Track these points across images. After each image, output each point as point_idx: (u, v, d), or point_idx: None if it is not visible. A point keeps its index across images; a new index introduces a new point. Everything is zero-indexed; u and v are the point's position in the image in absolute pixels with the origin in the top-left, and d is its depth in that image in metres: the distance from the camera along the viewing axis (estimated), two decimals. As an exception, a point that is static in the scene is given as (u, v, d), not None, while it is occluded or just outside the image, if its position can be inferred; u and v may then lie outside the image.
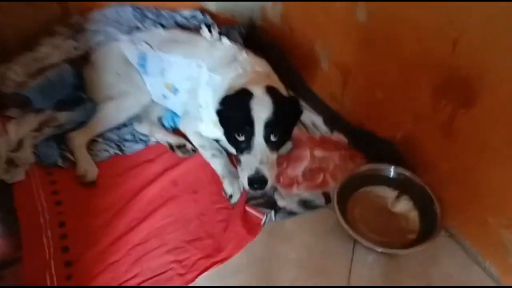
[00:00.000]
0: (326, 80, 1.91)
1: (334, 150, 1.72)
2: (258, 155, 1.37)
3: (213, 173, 1.63)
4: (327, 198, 1.58)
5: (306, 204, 1.56)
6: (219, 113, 1.47)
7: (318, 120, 1.86)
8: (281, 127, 1.42)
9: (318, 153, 1.70)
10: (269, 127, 1.37)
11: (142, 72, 1.80)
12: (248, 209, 1.52)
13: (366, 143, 1.73)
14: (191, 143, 1.73)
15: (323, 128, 1.84)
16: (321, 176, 1.63)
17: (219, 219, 1.51)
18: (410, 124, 1.53)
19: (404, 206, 1.53)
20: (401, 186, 1.56)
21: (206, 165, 1.66)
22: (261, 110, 1.37)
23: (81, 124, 1.75)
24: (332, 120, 1.85)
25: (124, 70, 1.81)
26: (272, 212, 1.51)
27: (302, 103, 1.89)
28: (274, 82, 1.56)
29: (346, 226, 1.40)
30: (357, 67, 1.70)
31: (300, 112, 1.52)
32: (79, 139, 1.70)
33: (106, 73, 1.81)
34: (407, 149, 1.58)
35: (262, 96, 1.40)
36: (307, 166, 1.67)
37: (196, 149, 1.70)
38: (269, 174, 1.38)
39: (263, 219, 1.49)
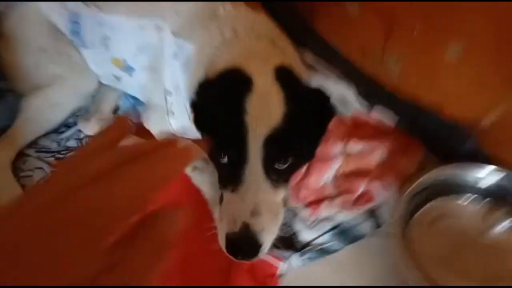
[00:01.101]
0: (356, 30, 1.27)
1: (378, 139, 1.14)
2: (250, 197, 0.77)
3: (199, 193, 1.08)
4: (375, 219, 1.03)
5: (345, 233, 1.01)
6: (193, 107, 0.88)
7: (349, 93, 1.24)
8: (297, 145, 0.82)
9: (353, 146, 1.13)
10: (275, 145, 0.77)
11: (78, 44, 1.19)
12: (256, 251, 0.98)
13: (423, 126, 1.14)
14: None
15: (357, 105, 1.23)
16: (362, 184, 1.07)
17: (215, 269, 0.98)
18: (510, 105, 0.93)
19: (503, 228, 0.97)
20: (495, 196, 0.99)
21: (188, 181, 1.10)
22: (263, 115, 0.77)
23: (1, 131, 1.18)
24: (370, 90, 1.23)
25: (51, 42, 1.20)
26: (294, 255, 0.97)
27: (318, 65, 1.29)
28: (286, 54, 0.94)
29: (415, 273, 0.86)
30: (410, 11, 1.06)
31: (331, 114, 0.91)
32: (-2, 156, 1.14)
33: (25, 49, 1.21)
34: (496, 143, 1.00)
35: (267, 85, 0.80)
36: (339, 169, 1.10)
37: (170, 158, 1.13)
38: (267, 234, 0.77)
39: (280, 267, 0.96)
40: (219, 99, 0.81)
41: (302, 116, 0.81)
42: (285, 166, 0.81)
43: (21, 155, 1.20)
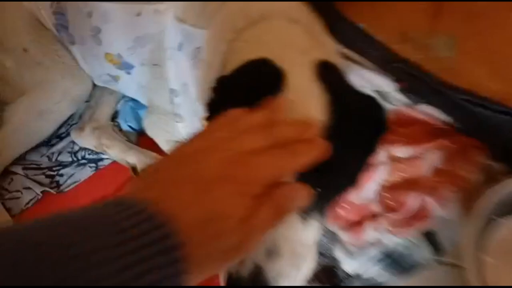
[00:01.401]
0: (393, 11, 1.06)
1: (429, 140, 0.93)
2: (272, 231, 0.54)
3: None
4: (434, 242, 0.83)
5: (397, 263, 0.82)
6: (209, 109, 0.68)
7: (387, 84, 1.04)
8: (339, 165, 0.59)
9: (400, 151, 0.92)
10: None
11: (65, 40, 1.01)
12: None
13: (484, 122, 0.93)
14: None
15: (400, 99, 1.02)
16: (413, 199, 0.87)
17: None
18: None
19: None
20: None
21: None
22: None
23: (-17, 146, 1.02)
24: (414, 82, 1.02)
25: (34, 40, 1.03)
26: (338, 292, 0.78)
27: (350, 55, 1.09)
28: (325, 46, 0.73)
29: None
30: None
31: (384, 129, 0.67)
32: (-22, 175, 0.98)
33: (5, 50, 1.03)
34: None
35: (306, 84, 0.60)
36: (384, 180, 0.90)
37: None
38: (284, 283, 0.55)
39: (320, 306, 0.77)
40: (241, 100, 0.61)
41: (348, 127, 0.60)
42: (321, 192, 0.59)
43: (5, 173, 1.03)
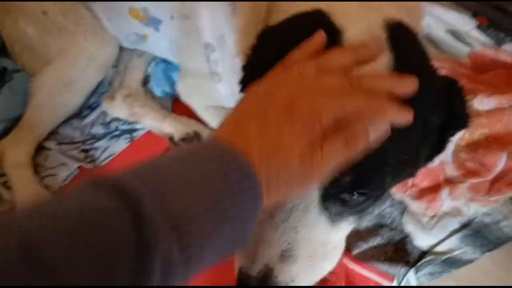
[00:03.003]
0: None
1: (516, 88, 0.78)
2: (286, 232, 0.48)
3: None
4: (527, 210, 0.71)
5: (481, 234, 0.72)
6: (245, 71, 0.57)
7: (463, 22, 0.88)
8: (394, 166, 0.47)
9: (482, 101, 0.79)
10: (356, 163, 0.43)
11: (87, -1, 0.92)
12: (353, 266, 0.72)
13: None
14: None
15: (479, 39, 0.86)
16: (500, 158, 0.74)
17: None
18: None
19: None
20: None
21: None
22: None
23: (12, 122, 0.98)
24: (498, 16, 0.86)
25: (54, 3, 0.94)
26: (409, 272, 0.69)
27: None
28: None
29: None
30: None
31: (463, 123, 0.52)
32: (13, 154, 0.95)
33: (25, 16, 0.96)
34: None
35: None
36: (461, 138, 0.78)
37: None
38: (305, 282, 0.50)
39: (392, 285, 0.69)
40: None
41: (423, 112, 0.46)
42: (362, 199, 0.48)
43: (41, 149, 0.99)
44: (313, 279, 0.52)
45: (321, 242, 0.50)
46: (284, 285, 0.49)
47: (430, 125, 0.48)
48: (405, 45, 0.50)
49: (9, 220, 0.29)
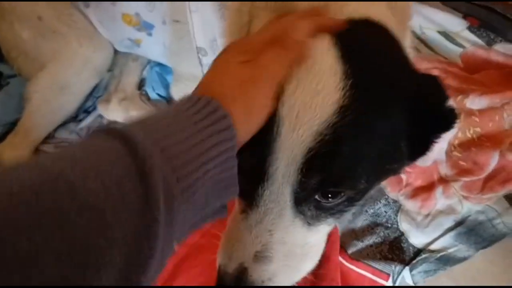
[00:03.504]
0: None
1: (507, 88, 0.80)
2: (260, 234, 0.48)
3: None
4: (520, 208, 0.72)
5: (474, 232, 0.73)
6: None
7: (454, 23, 0.90)
8: (370, 156, 0.46)
9: (474, 101, 0.80)
10: (325, 161, 0.44)
11: (81, 4, 0.93)
12: (348, 265, 0.72)
13: None
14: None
15: (470, 39, 0.88)
16: (492, 157, 0.75)
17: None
18: None
19: None
20: None
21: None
22: (307, 106, 0.43)
23: (9, 127, 1.00)
24: (488, 17, 0.87)
25: (48, 7, 0.95)
26: (405, 269, 0.70)
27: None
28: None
29: None
30: None
31: (450, 122, 0.49)
32: (10, 158, 0.97)
33: (20, 20, 0.97)
34: None
35: (322, 50, 0.46)
36: (455, 136, 0.79)
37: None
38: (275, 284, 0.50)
39: (387, 284, 0.70)
40: None
41: (381, 110, 0.46)
42: (336, 201, 0.48)
43: (37, 153, 1.00)
44: (293, 279, 0.52)
45: (298, 243, 0.50)
46: (259, 284, 0.49)
47: (406, 120, 0.47)
48: (360, 44, 0.48)
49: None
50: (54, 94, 0.97)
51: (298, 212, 0.48)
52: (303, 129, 0.44)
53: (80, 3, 0.94)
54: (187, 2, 0.73)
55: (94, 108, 1.04)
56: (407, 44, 0.58)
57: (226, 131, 0.40)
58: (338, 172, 0.45)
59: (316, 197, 0.47)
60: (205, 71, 0.78)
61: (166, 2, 0.79)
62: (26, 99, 0.98)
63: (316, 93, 0.44)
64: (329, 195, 0.47)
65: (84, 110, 1.05)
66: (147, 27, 0.86)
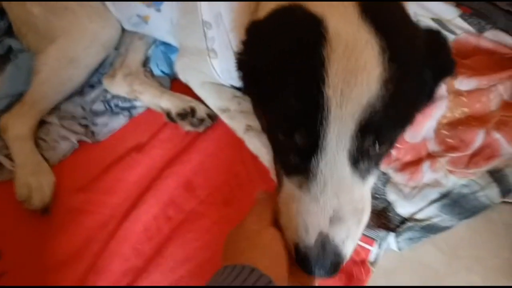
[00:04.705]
0: None
1: (495, 71, 0.85)
2: (329, 201, 0.54)
3: (256, 160, 0.87)
4: (502, 182, 0.77)
5: (458, 204, 0.77)
6: (239, 64, 0.64)
7: (447, 11, 0.95)
8: (400, 119, 0.56)
9: (463, 83, 0.85)
10: (371, 130, 0.52)
11: (92, -19, 0.98)
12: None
13: None
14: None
15: (463, 26, 0.93)
16: (478, 135, 0.80)
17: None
18: None
19: None
20: None
21: (241, 143, 0.89)
22: (351, 84, 0.50)
23: (16, 98, 1.05)
24: (481, 5, 0.93)
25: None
26: (389, 236, 0.75)
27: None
28: None
29: None
30: None
31: (450, 69, 0.60)
32: (16, 127, 1.01)
33: (33, -2, 1.02)
34: None
35: (354, 31, 0.52)
36: (443, 116, 0.84)
37: (216, 114, 0.92)
38: (351, 242, 0.56)
39: (373, 250, 0.74)
40: (276, 51, 0.56)
41: (413, 70, 0.54)
42: (384, 148, 0.56)
43: (42, 124, 1.05)
44: (360, 232, 0.58)
45: (358, 198, 0.56)
46: (341, 244, 0.55)
47: (423, 77, 0.56)
48: (383, 12, 0.56)
49: None
50: (63, 66, 1.02)
51: (355, 170, 0.54)
52: (352, 104, 0.51)
53: (91, -20, 0.99)
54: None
55: (99, 83, 1.09)
56: None
57: None
58: (387, 130, 0.54)
59: (370, 151, 0.54)
60: (209, 44, 0.84)
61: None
62: (34, 71, 1.04)
63: (359, 69, 0.51)
64: (379, 145, 0.54)
65: (89, 85, 1.10)
66: (156, 3, 0.92)
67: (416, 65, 0.55)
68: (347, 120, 0.51)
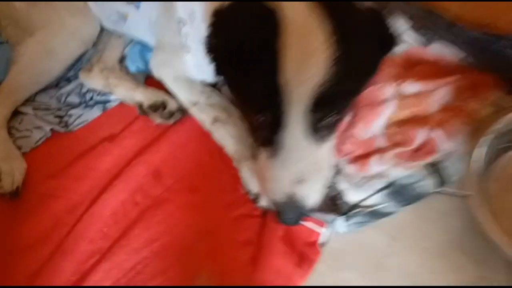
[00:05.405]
0: None
1: (438, 78, 0.96)
2: (293, 165, 0.68)
3: (221, 151, 0.94)
4: (440, 174, 0.86)
5: (400, 192, 0.86)
6: (207, 43, 0.73)
7: (400, 23, 1.06)
8: (348, 94, 0.69)
9: (409, 87, 0.95)
10: (323, 105, 0.64)
11: (73, -21, 1.05)
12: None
13: (495, 57, 0.95)
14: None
15: (414, 37, 1.04)
16: (421, 132, 0.90)
17: (241, 240, 0.85)
18: None
19: None
20: None
21: (208, 136, 0.96)
22: (304, 68, 0.60)
23: (-7, 87, 1.09)
24: (425, 21, 1.04)
25: (42, -20, 1.06)
26: (338, 219, 0.83)
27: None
28: None
29: (498, 238, 0.70)
30: None
31: (392, 44, 0.73)
32: (-9, 115, 1.05)
33: (12, -12, 1.08)
34: None
35: (303, 15, 0.62)
36: (391, 116, 0.93)
37: (185, 109, 0.99)
38: (314, 195, 0.71)
39: (323, 232, 0.82)
40: (238, 41, 0.65)
41: (358, 49, 0.64)
42: (336, 118, 0.69)
43: (16, 114, 1.09)
44: (323, 186, 0.73)
45: (318, 160, 0.69)
46: (307, 197, 0.69)
47: (368, 53, 0.67)
48: (331, 2, 0.64)
49: None
50: (41, 58, 1.08)
51: (313, 139, 0.67)
52: (306, 84, 0.61)
53: (73, -22, 1.06)
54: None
55: (76, 77, 1.15)
56: None
57: None
58: (338, 103, 0.67)
59: (324, 122, 0.66)
60: (183, 40, 0.92)
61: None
62: (12, 62, 1.09)
63: (311, 53, 0.60)
64: (332, 116, 0.67)
65: (66, 78, 1.15)
66: (135, 0, 0.99)
67: (361, 45, 0.65)
68: (304, 98, 0.62)
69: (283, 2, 0.64)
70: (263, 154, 0.71)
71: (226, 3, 0.71)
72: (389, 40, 0.71)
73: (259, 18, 0.64)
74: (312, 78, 0.60)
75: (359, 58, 0.65)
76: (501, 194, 0.81)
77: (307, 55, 0.60)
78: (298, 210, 0.69)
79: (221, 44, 0.70)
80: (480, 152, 0.80)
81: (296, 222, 0.74)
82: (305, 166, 0.68)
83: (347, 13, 0.67)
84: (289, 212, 0.70)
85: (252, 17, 0.66)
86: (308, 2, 0.63)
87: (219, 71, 0.74)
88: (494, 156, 0.84)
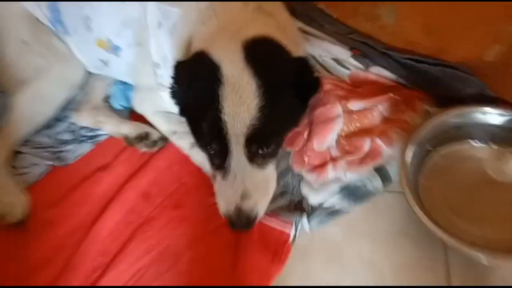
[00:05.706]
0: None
1: (378, 96, 1.15)
2: (238, 184, 0.87)
3: (200, 171, 1.09)
4: (384, 175, 1.04)
5: (353, 193, 1.03)
6: (172, 91, 0.95)
7: (343, 53, 1.26)
8: (280, 130, 0.91)
9: (354, 105, 1.14)
10: (257, 139, 0.85)
11: (60, 32, 1.21)
12: (264, 221, 1.00)
13: (424, 76, 1.15)
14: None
15: (354, 64, 1.24)
16: (366, 142, 1.08)
17: (222, 245, 1.00)
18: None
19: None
20: (506, 138, 1.00)
21: (188, 159, 1.12)
22: (239, 112, 0.82)
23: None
24: (365, 49, 1.24)
25: (32, 34, 1.22)
26: (304, 218, 0.99)
27: (311, 30, 1.30)
28: (276, 19, 0.96)
29: (430, 224, 0.87)
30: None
31: (316, 86, 0.95)
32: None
33: (6, 43, 1.23)
34: (500, 83, 1.01)
35: (237, 72, 0.83)
36: (341, 130, 1.11)
37: (166, 137, 1.15)
38: (260, 207, 0.90)
39: (291, 232, 0.98)
40: (193, 90, 0.87)
41: (283, 96, 0.85)
42: (270, 149, 0.88)
43: (16, 155, 1.22)
44: (268, 198, 0.92)
45: (260, 179, 0.89)
46: (251, 209, 0.87)
47: (293, 98, 0.86)
48: (262, 50, 0.85)
49: None
50: (34, 104, 1.22)
51: (253, 164, 0.87)
52: (240, 125, 0.81)
53: (60, 31, 1.22)
54: (147, 30, 1.04)
55: (66, 117, 1.29)
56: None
57: None
58: (267, 139, 0.86)
59: (259, 151, 0.86)
60: (158, 80, 1.08)
61: (132, 30, 1.10)
62: (10, 108, 1.22)
63: (242, 102, 0.81)
64: (265, 149, 0.86)
65: (57, 119, 1.29)
66: (116, 49, 1.16)
67: (285, 91, 0.86)
68: (239, 135, 0.82)
69: (224, 56, 0.84)
70: (218, 176, 0.90)
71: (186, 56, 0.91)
72: (312, 83, 0.92)
73: (208, 73, 0.84)
74: (245, 120, 0.81)
75: (283, 103, 0.86)
76: (430, 188, 0.99)
77: (239, 103, 0.81)
78: (245, 220, 0.87)
79: (181, 92, 0.91)
80: (409, 154, 0.99)
81: (245, 229, 0.91)
82: (249, 184, 0.86)
83: (274, 66, 0.87)
84: (238, 222, 0.87)
85: (204, 72, 0.86)
86: (244, 58, 0.83)
87: (181, 113, 0.94)
88: (424, 156, 1.03)
